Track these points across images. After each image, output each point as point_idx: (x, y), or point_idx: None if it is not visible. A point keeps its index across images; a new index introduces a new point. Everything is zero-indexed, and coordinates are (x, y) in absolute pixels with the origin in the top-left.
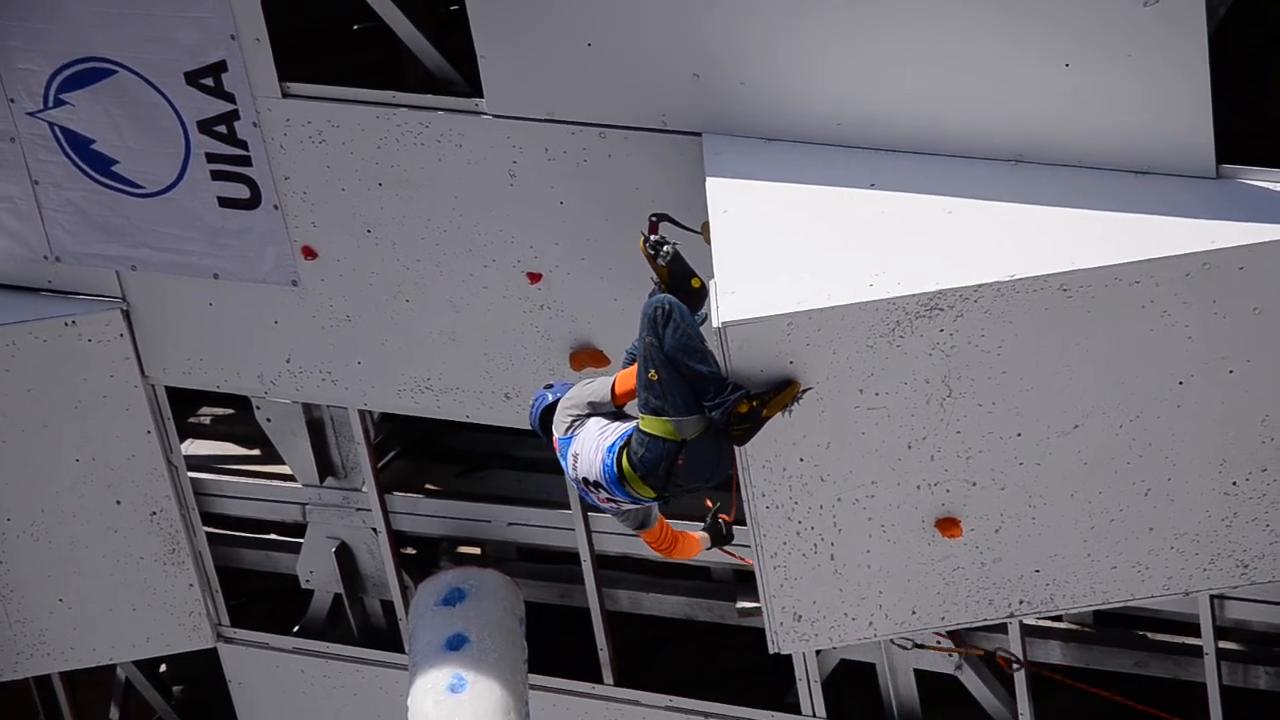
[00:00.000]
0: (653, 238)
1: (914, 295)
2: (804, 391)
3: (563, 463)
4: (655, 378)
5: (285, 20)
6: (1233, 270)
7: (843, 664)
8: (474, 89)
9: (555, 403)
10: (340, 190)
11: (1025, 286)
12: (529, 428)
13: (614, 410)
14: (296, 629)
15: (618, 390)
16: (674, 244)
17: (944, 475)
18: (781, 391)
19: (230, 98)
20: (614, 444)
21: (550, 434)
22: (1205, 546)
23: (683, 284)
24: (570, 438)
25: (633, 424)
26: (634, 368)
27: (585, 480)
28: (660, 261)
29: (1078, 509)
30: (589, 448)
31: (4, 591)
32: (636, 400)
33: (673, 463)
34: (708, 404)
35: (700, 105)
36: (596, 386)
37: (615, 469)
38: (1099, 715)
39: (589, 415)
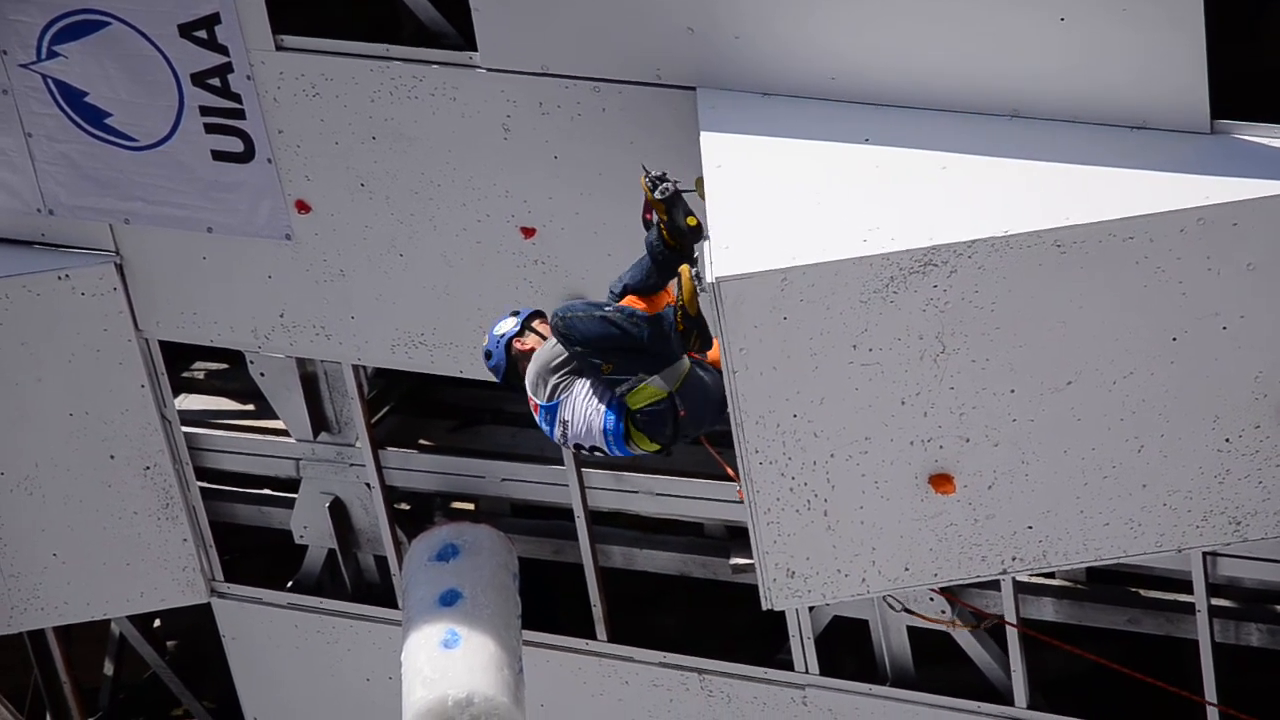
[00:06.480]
0: (654, 173)
1: (908, 251)
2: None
3: (545, 428)
4: (609, 369)
5: None
6: (1227, 226)
7: (836, 620)
8: (468, 42)
9: (523, 328)
10: (334, 144)
11: (1019, 242)
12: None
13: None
14: (290, 584)
15: None
16: (675, 182)
17: (937, 431)
18: (682, 281)
19: (224, 50)
20: (612, 404)
21: (512, 372)
22: (1198, 503)
23: (678, 222)
24: (556, 403)
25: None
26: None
27: (578, 446)
28: (657, 196)
29: (1071, 465)
30: (580, 412)
31: None
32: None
33: (676, 416)
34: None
35: (695, 59)
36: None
37: (622, 430)
38: (1091, 670)
39: (575, 376)
